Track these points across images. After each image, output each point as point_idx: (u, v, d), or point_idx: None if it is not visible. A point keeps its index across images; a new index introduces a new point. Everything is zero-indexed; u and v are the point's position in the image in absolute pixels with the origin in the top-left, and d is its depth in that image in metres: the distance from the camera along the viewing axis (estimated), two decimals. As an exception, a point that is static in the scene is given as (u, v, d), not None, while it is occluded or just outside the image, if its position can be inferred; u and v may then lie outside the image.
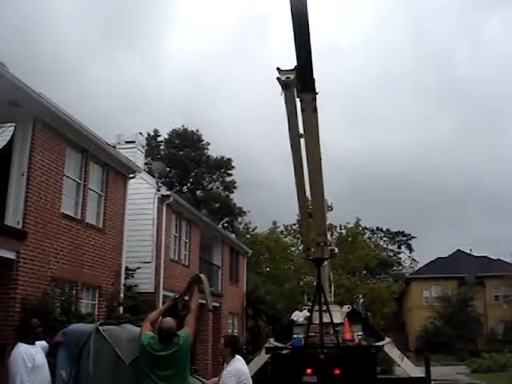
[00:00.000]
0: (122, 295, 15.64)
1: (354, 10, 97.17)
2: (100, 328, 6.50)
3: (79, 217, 13.94)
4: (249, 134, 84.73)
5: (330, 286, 20.76)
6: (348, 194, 78.09)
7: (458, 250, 58.35)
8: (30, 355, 6.08)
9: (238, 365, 6.86)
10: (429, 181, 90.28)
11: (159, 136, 46.75)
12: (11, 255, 11.35)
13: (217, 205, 45.31)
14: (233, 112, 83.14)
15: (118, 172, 15.99)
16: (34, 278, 11.83)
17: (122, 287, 15.96)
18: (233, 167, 46.75)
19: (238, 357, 6.97)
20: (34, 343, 6.27)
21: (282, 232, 44.63)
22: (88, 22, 77.15)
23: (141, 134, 23.29)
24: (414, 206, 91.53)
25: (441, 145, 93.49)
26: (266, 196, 76.15)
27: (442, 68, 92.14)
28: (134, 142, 20.24)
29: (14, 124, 12.71)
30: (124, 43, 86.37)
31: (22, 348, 6.13)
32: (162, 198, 18.95)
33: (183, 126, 46.45)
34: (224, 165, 46.60)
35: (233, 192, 46.74)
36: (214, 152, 46.64)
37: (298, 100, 10.06)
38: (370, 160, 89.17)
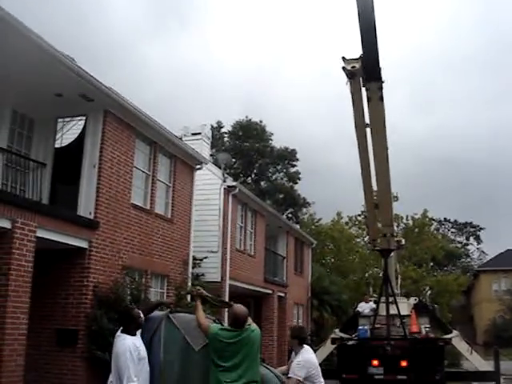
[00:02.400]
0: (189, 284, 15.93)
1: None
2: (170, 315, 6.63)
3: (148, 207, 14.29)
4: (313, 123, 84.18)
5: (397, 278, 20.51)
6: (413, 181, 76.57)
7: (530, 241, 56.41)
8: (136, 348, 5.99)
9: (308, 355, 6.89)
10: (499, 165, 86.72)
11: (222, 127, 47.13)
12: (84, 244, 11.77)
13: (281, 196, 45.34)
14: (296, 100, 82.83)
15: (185, 163, 16.28)
16: (105, 266, 12.22)
17: (190, 276, 16.27)
18: (297, 159, 46.66)
19: (306, 347, 7.00)
20: (135, 334, 6.17)
21: (346, 223, 44.23)
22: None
23: (205, 125, 23.53)
24: (482, 194, 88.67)
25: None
26: (331, 186, 75.70)
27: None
28: (199, 133, 20.50)
29: (84, 117, 13.10)
30: (178, 26, 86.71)
31: (128, 341, 6.01)
32: (228, 189, 19.16)
33: (247, 117, 46.66)
34: (288, 156, 46.54)
35: (297, 183, 46.66)
36: (277, 142, 46.67)
37: (363, 89, 9.95)
38: (435, 144, 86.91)
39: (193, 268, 16.86)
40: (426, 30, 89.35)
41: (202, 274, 18.11)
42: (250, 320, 6.27)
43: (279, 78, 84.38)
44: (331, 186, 76.43)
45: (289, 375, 6.74)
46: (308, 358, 6.85)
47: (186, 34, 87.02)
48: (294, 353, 7.10)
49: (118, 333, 6.19)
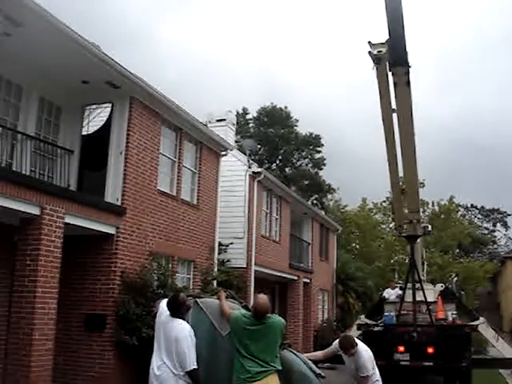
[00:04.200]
0: (215, 270, 16.04)
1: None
2: (198, 300, 6.69)
3: (174, 193, 14.39)
4: (338, 108, 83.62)
5: (423, 264, 20.38)
6: (439, 165, 75.57)
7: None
8: (193, 333, 6.15)
9: (366, 353, 7.49)
10: None
11: (248, 114, 47.05)
12: (111, 230, 11.91)
13: (306, 182, 45.23)
14: (321, 84, 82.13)
15: (210, 150, 16.32)
16: (132, 252, 12.36)
17: (216, 262, 16.36)
18: (322, 144, 46.41)
19: (359, 346, 7.47)
20: (185, 319, 6.30)
21: (371, 209, 44.04)
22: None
23: (230, 111, 23.53)
24: (509, 178, 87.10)
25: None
26: (356, 171, 75.25)
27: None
28: (224, 119, 20.49)
29: (110, 104, 13.19)
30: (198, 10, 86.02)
31: (187, 326, 6.16)
32: (253, 175, 19.17)
33: (272, 103, 46.51)
34: (313, 142, 46.32)
35: (322, 169, 46.47)
36: (302, 128, 46.45)
37: (390, 74, 9.84)
38: (462, 126, 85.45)
39: (219, 254, 16.95)
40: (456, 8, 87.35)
41: (228, 260, 18.21)
42: (270, 314, 6.29)
43: (304, 62, 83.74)
44: (357, 171, 76.10)
45: (363, 375, 7.32)
46: (369, 355, 7.47)
47: (204, 11, 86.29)
48: (344, 355, 7.52)
49: (169, 317, 6.25)
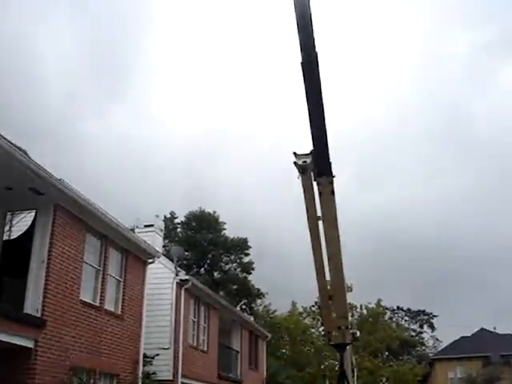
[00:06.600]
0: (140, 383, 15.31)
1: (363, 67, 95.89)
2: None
3: (98, 304, 13.88)
4: (264, 206, 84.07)
5: (353, 371, 20.12)
6: (364, 264, 76.11)
7: (482, 328, 56.76)
8: None
9: None
10: (449, 245, 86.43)
11: (176, 218, 47.01)
12: (29, 344, 11.28)
13: (235, 287, 44.91)
14: (247, 185, 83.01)
15: (137, 257, 16.01)
16: (51, 366, 11.69)
17: (141, 375, 15.65)
18: (249, 247, 46.65)
19: None
20: None
21: (301, 313, 43.91)
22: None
23: (157, 216, 23.44)
24: (434, 278, 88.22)
25: (464, 200, 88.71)
26: (285, 273, 74.91)
27: (457, 118, 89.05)
28: (152, 225, 20.35)
29: (33, 210, 12.89)
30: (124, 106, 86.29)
31: None
32: (181, 283, 18.85)
33: (200, 207, 46.76)
34: (241, 245, 46.52)
35: (250, 273, 46.40)
36: (230, 230, 46.60)
37: (315, 183, 10.10)
38: (384, 223, 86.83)
39: (144, 366, 16.26)
40: (375, 103, 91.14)
41: (154, 373, 17.44)
42: None
43: (228, 161, 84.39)
44: (285, 273, 75.86)
45: None
46: None
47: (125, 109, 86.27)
48: None
49: None
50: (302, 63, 7.88)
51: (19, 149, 10.89)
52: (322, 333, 29.93)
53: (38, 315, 11.61)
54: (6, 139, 10.12)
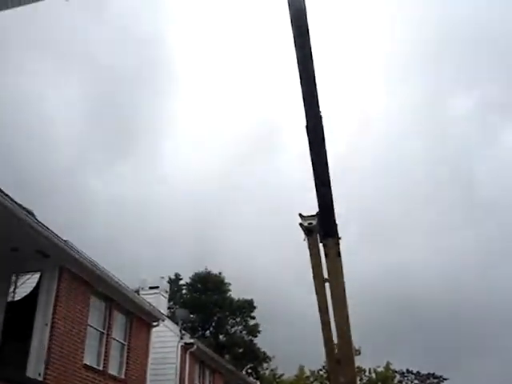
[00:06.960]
0: None
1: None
2: None
3: (101, 368, 13.65)
4: (272, 269, 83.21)
5: None
6: (372, 327, 74.52)
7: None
8: None
9: None
10: (458, 309, 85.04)
11: (180, 279, 46.66)
12: (31, 411, 11.02)
13: (240, 350, 44.10)
14: (253, 245, 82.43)
15: (142, 320, 15.83)
16: None
17: None
18: (254, 307, 46.04)
19: None
20: None
21: (308, 377, 42.95)
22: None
23: (163, 278, 23.32)
24: (446, 340, 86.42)
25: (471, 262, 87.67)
26: (292, 336, 73.59)
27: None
28: (157, 287, 20.23)
29: (38, 272, 12.83)
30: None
31: None
32: (186, 346, 18.58)
33: (206, 268, 46.45)
34: (246, 307, 45.95)
35: (256, 336, 45.61)
36: (235, 292, 46.09)
37: (321, 245, 10.08)
38: (394, 284, 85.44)
39: (147, 433, 15.80)
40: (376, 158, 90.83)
41: None
42: None
43: (235, 224, 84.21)
44: (293, 336, 74.50)
45: None
46: None
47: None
48: None
49: None
50: (306, 127, 8.05)
51: (26, 210, 10.92)
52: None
53: (41, 379, 11.40)
54: (13, 201, 10.19)
